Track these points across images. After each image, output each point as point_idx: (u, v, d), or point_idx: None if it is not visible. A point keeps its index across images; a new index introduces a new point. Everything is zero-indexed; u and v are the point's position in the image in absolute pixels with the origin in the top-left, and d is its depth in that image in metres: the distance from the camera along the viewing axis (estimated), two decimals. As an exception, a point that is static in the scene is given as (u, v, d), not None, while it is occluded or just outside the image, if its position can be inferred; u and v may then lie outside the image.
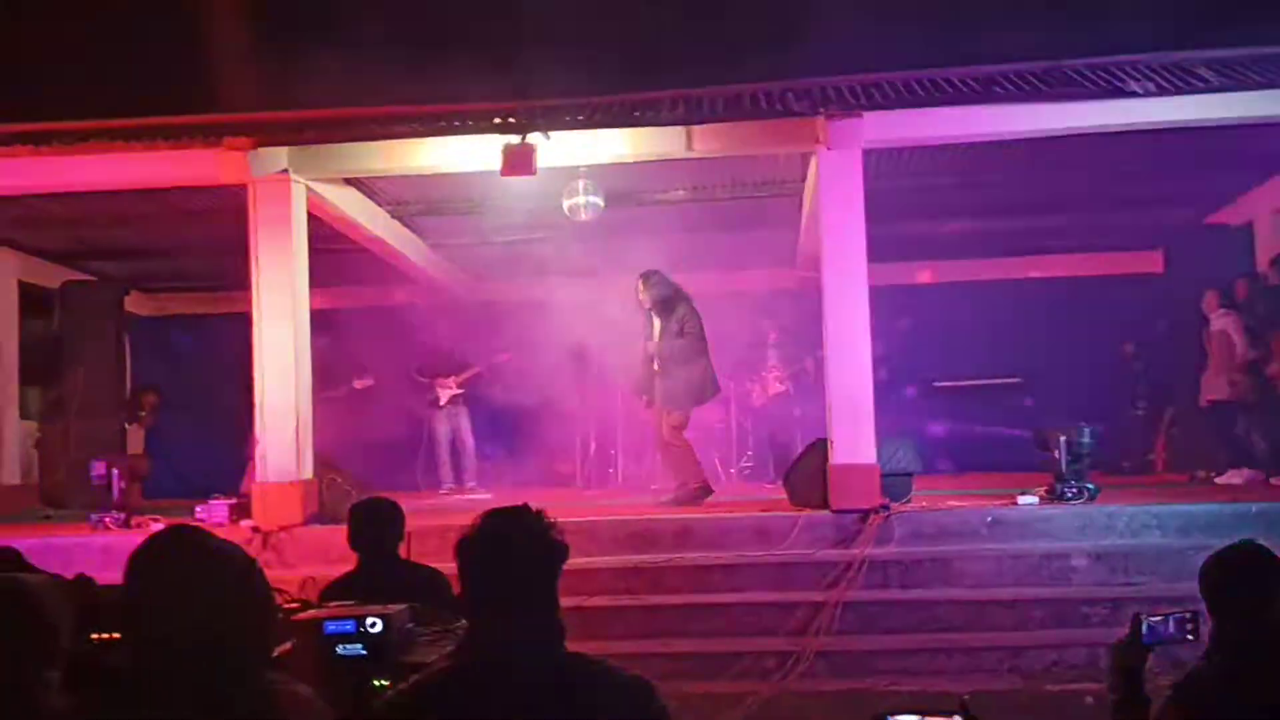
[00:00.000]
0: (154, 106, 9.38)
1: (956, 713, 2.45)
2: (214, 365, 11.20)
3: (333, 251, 10.83)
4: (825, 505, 8.10)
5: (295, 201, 8.92)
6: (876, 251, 8.49)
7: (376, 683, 2.84)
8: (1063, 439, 8.34)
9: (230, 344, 9.56)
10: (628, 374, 10.06)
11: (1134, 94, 8.12)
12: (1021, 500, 8.16)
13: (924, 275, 13.61)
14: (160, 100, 9.62)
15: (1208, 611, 3.09)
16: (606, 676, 2.26)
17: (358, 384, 11.92)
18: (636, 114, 8.76)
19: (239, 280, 9.16)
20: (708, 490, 9.32)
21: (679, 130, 8.63)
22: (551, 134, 8.43)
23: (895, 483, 8.23)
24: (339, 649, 2.94)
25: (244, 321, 8.94)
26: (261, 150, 8.71)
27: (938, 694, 6.04)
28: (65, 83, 10.61)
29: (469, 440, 11.72)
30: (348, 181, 9.78)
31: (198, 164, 8.80)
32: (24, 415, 12.79)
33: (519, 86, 9.09)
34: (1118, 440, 11.99)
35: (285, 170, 8.83)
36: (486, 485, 11.61)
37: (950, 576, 7.43)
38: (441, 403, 11.63)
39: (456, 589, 2.36)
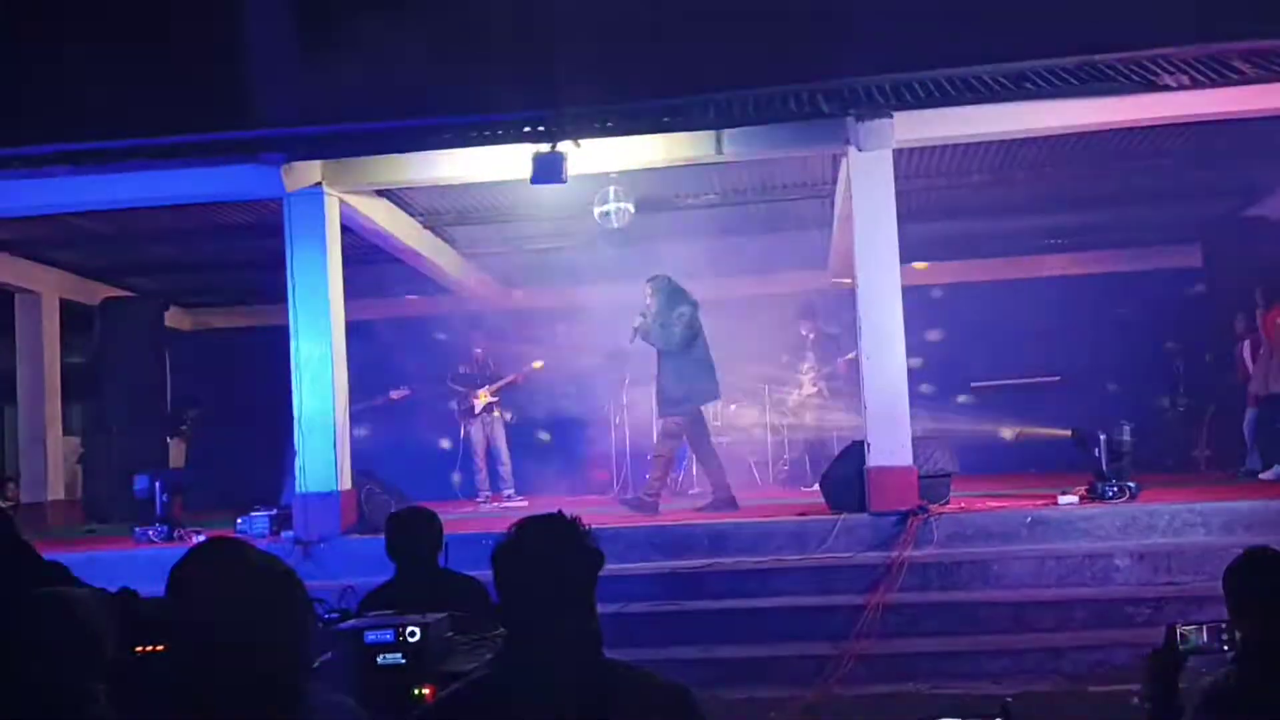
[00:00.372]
0: (189, 123, 9.50)
1: (999, 715, 2.44)
2: (253, 378, 11.31)
3: (367, 262, 10.92)
4: (863, 508, 8.07)
5: (329, 214, 9.01)
6: (909, 252, 8.44)
7: (416, 691, 2.85)
8: (1103, 437, 8.26)
9: (268, 356, 9.65)
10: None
11: (1168, 87, 8.03)
12: (1062, 500, 8.09)
13: (958, 275, 13.51)
14: (195, 117, 9.74)
15: (1232, 617, 3.06)
16: (644, 683, 2.25)
17: (394, 394, 11.99)
18: (666, 119, 8.77)
19: (275, 293, 9.25)
20: (654, 508, 9.23)
21: (709, 134, 8.63)
22: (581, 141, 8.45)
23: (933, 484, 8.18)
24: (379, 658, 2.96)
25: (281, 334, 9.03)
26: (295, 164, 8.81)
27: (980, 697, 5.98)
28: (101, 102, 10.75)
29: (504, 448, 11.76)
30: (380, 193, 9.86)
31: (233, 179, 8.92)
32: (67, 431, 12.99)
33: (548, 95, 9.12)
34: (1159, 437, 11.86)
35: (319, 183, 8.92)
36: (523, 493, 11.64)
37: (990, 578, 7.37)
38: (476, 411, 11.67)
39: (494, 597, 2.37)
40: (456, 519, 8.60)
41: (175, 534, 8.98)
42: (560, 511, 2.31)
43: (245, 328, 14.04)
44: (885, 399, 8.27)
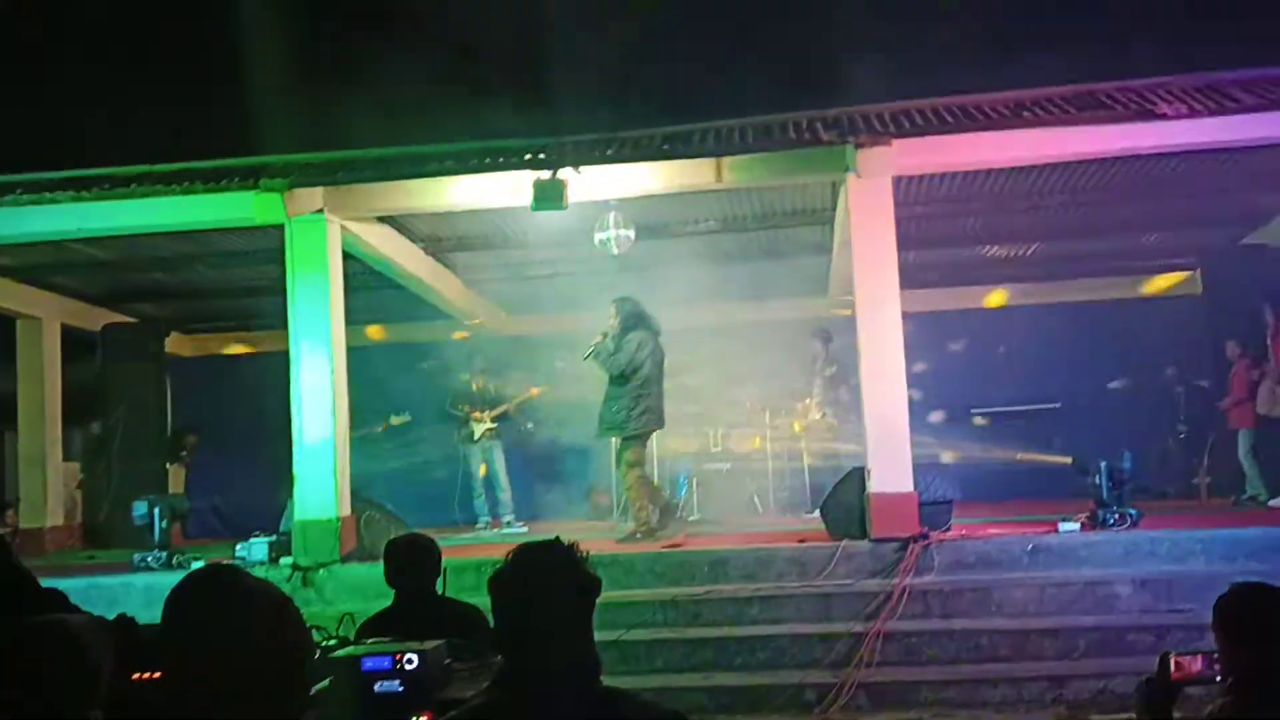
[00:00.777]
0: (191, 150, 9.55)
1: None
2: (253, 404, 11.31)
3: (368, 288, 10.94)
4: (864, 535, 8.05)
5: (331, 240, 9.03)
6: (908, 279, 8.46)
7: (413, 719, 2.84)
8: (1104, 465, 8.26)
9: (269, 383, 9.65)
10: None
11: (1165, 116, 8.07)
12: (1063, 527, 8.07)
13: (960, 301, 13.53)
14: (197, 143, 9.79)
15: (1222, 648, 3.07)
16: (642, 711, 2.25)
17: (395, 420, 11.98)
18: (666, 147, 8.81)
19: (277, 319, 9.27)
20: (652, 534, 9.23)
21: (709, 162, 8.66)
22: (582, 168, 8.49)
23: (934, 511, 8.16)
24: (376, 686, 2.94)
25: (282, 360, 9.03)
26: (297, 191, 8.85)
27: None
28: (104, 128, 10.82)
29: (504, 474, 11.74)
30: (382, 219, 9.89)
31: (235, 205, 8.97)
32: (67, 457, 12.97)
33: (549, 122, 9.18)
34: (1160, 465, 11.84)
35: (321, 210, 8.94)
36: (523, 519, 11.60)
37: (992, 605, 7.34)
38: (476, 437, 11.66)
39: (492, 624, 2.37)
40: (455, 546, 8.58)
41: (174, 560, 8.95)
42: (558, 538, 2.31)
43: (246, 354, 14.06)
44: (886, 425, 8.26)
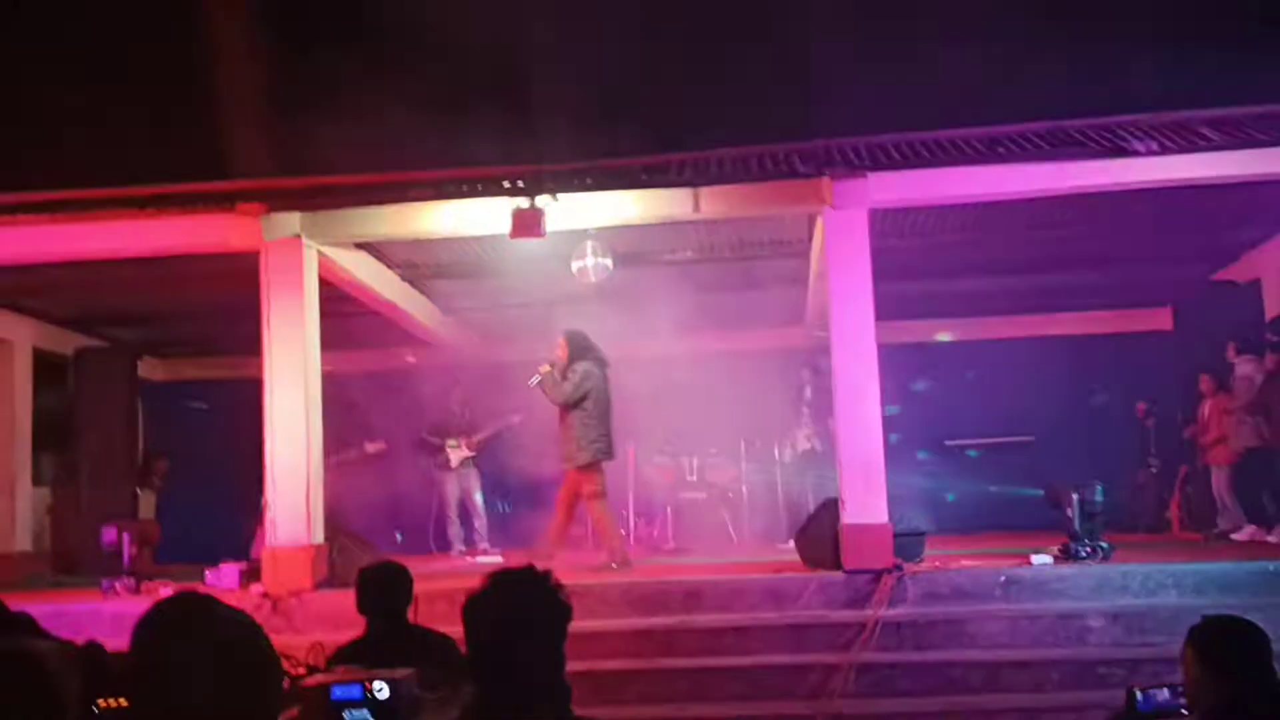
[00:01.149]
0: (166, 173, 9.51)
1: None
2: (226, 430, 11.23)
3: (344, 315, 10.90)
4: (838, 565, 8.06)
5: (307, 266, 9.00)
6: (884, 310, 8.52)
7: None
8: (1076, 497, 8.31)
9: (242, 409, 9.59)
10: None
11: (1136, 153, 8.18)
12: (1035, 560, 8.10)
13: (933, 334, 13.61)
14: (173, 167, 9.75)
15: (1193, 678, 3.09)
16: (614, 741, 2.24)
17: (370, 448, 11.93)
18: (644, 176, 8.85)
19: (251, 345, 9.21)
20: (628, 564, 9.26)
21: (686, 192, 8.71)
22: (560, 197, 8.52)
23: (908, 543, 8.18)
24: (346, 715, 2.91)
25: (256, 386, 8.98)
26: (273, 215, 8.83)
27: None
28: (78, 151, 10.77)
29: (479, 502, 11.70)
30: (359, 245, 9.86)
31: (210, 230, 8.92)
32: (36, 481, 12.82)
33: (528, 151, 9.20)
34: (1131, 499, 11.93)
35: (297, 235, 8.92)
36: (498, 548, 11.55)
37: (964, 637, 7.36)
38: (452, 464, 11.62)
39: (464, 652, 2.36)
40: (428, 574, 8.53)
41: (142, 586, 8.86)
42: (531, 565, 2.31)
43: (219, 379, 13.95)
44: (860, 456, 8.29)
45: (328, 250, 9.26)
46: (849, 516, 8.18)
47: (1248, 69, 9.23)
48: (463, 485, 11.70)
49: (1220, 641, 3.15)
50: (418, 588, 4.79)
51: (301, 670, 3.54)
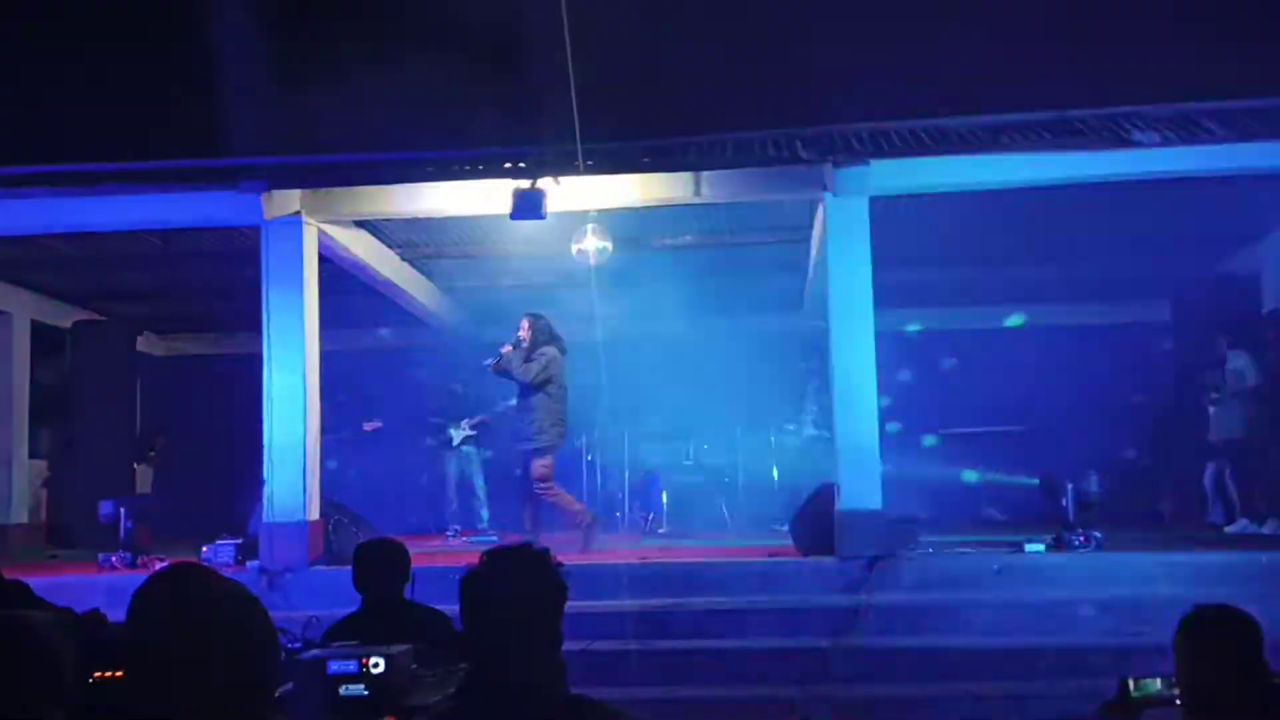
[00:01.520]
0: (169, 148, 9.49)
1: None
2: (223, 406, 11.24)
3: (343, 293, 10.90)
4: (832, 551, 8.08)
5: (307, 243, 9.00)
6: (882, 298, 8.52)
7: (378, 724, 2.84)
8: (1070, 487, 8.33)
9: (240, 385, 9.60)
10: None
11: (1139, 144, 8.17)
12: (1029, 548, 8.13)
13: (931, 322, 13.62)
14: (175, 142, 9.73)
15: (1182, 667, 3.11)
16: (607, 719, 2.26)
17: (366, 426, 11.94)
18: (646, 160, 8.84)
19: (250, 321, 9.22)
20: (595, 535, 9.47)
21: (688, 176, 8.71)
22: (561, 179, 8.51)
23: (902, 529, 8.21)
24: (342, 689, 2.94)
25: (254, 362, 8.98)
26: (274, 193, 8.82)
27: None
28: (80, 124, 10.74)
29: (479, 482, 11.72)
30: (359, 224, 9.87)
31: (211, 206, 8.93)
32: (34, 454, 12.84)
33: (530, 131, 9.18)
34: (1125, 489, 11.95)
35: (298, 212, 8.91)
36: (495, 529, 11.58)
37: (957, 624, 7.38)
38: (454, 444, 11.64)
39: (459, 629, 2.37)
40: (424, 552, 8.55)
41: (139, 561, 8.88)
42: (529, 543, 2.32)
43: (218, 355, 13.96)
44: (856, 443, 8.31)
45: (328, 228, 9.26)
46: (844, 502, 8.20)
47: (1252, 62, 9.21)
48: (462, 466, 11.72)
49: (1212, 630, 3.16)
50: (414, 565, 4.81)
51: (298, 645, 3.56)
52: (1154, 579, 7.66)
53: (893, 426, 10.15)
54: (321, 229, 9.16)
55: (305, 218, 8.94)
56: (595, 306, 10.89)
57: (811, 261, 10.77)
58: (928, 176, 8.63)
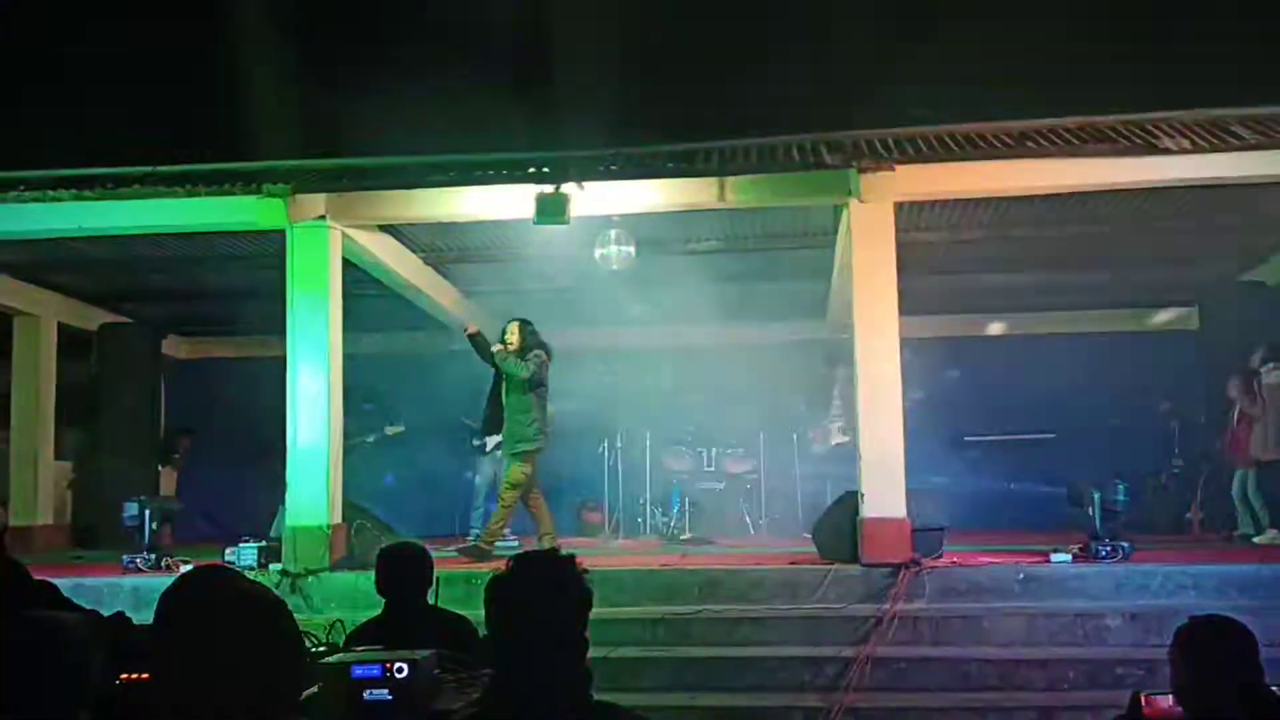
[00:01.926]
0: (195, 153, 9.55)
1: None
2: (247, 409, 11.28)
3: (367, 296, 10.93)
4: (855, 559, 8.03)
5: (332, 247, 9.03)
6: (907, 304, 8.47)
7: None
8: (1097, 496, 8.25)
9: (264, 388, 9.63)
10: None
11: (1168, 150, 8.09)
12: (1055, 558, 8.06)
13: (957, 329, 13.55)
14: (202, 146, 9.79)
15: (1181, 678, 3.08)
16: (634, 727, 2.24)
17: (389, 431, 11.95)
18: (670, 165, 8.82)
19: (274, 324, 9.26)
20: (488, 555, 9.14)
21: (712, 181, 8.68)
22: (585, 184, 8.51)
23: (926, 537, 8.15)
24: (365, 694, 2.93)
25: (278, 365, 9.01)
26: (300, 196, 8.85)
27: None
28: (108, 129, 10.81)
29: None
30: (383, 228, 9.89)
31: (237, 209, 8.96)
32: (59, 455, 12.92)
33: (553, 136, 9.19)
34: (1153, 498, 11.84)
35: (322, 216, 8.94)
36: (515, 534, 11.56)
37: (982, 634, 7.32)
38: (489, 449, 11.63)
39: (483, 635, 2.36)
40: (447, 557, 8.56)
41: (163, 562, 8.91)
42: (557, 548, 2.31)
43: (242, 358, 14.01)
44: (880, 450, 8.26)
45: (352, 232, 9.28)
46: (868, 510, 8.16)
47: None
48: (496, 469, 11.70)
49: (1207, 642, 3.13)
50: (436, 570, 4.80)
51: (321, 649, 3.55)
52: (1182, 589, 7.58)
53: (918, 433, 10.11)
54: (345, 232, 9.19)
55: (330, 221, 8.98)
56: (618, 311, 10.89)
57: (836, 267, 10.73)
58: (953, 182, 8.59)
